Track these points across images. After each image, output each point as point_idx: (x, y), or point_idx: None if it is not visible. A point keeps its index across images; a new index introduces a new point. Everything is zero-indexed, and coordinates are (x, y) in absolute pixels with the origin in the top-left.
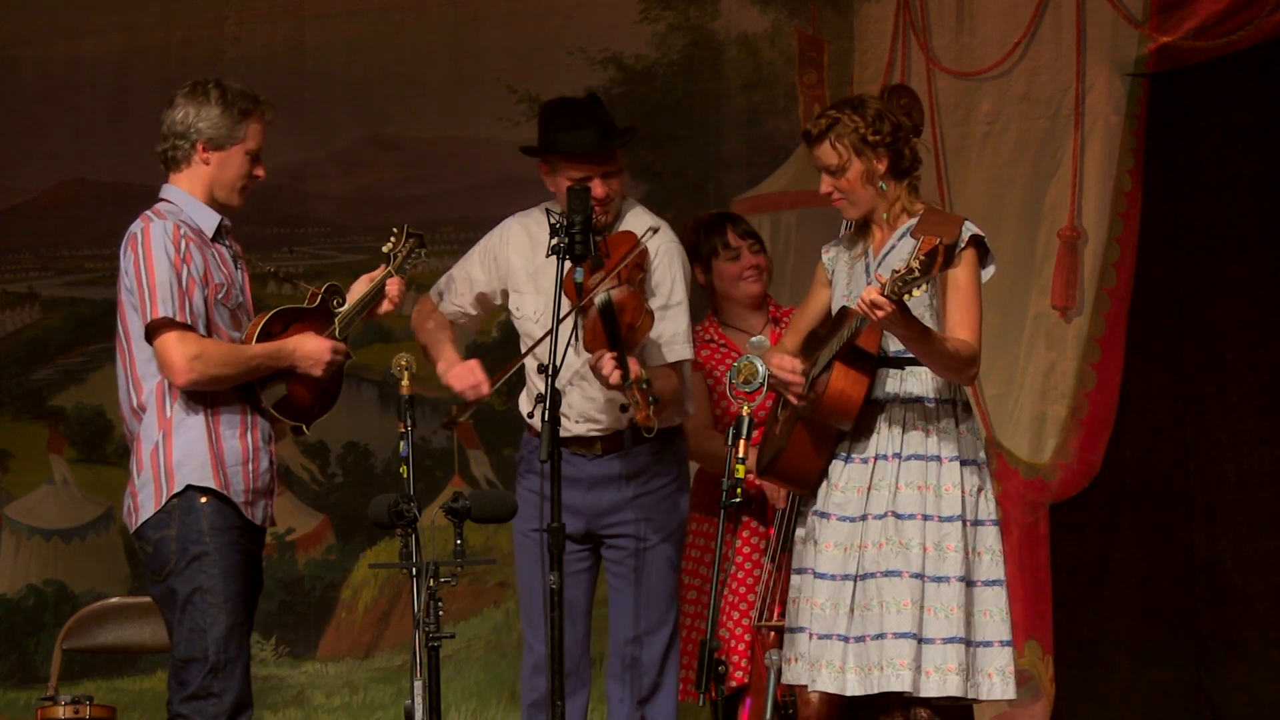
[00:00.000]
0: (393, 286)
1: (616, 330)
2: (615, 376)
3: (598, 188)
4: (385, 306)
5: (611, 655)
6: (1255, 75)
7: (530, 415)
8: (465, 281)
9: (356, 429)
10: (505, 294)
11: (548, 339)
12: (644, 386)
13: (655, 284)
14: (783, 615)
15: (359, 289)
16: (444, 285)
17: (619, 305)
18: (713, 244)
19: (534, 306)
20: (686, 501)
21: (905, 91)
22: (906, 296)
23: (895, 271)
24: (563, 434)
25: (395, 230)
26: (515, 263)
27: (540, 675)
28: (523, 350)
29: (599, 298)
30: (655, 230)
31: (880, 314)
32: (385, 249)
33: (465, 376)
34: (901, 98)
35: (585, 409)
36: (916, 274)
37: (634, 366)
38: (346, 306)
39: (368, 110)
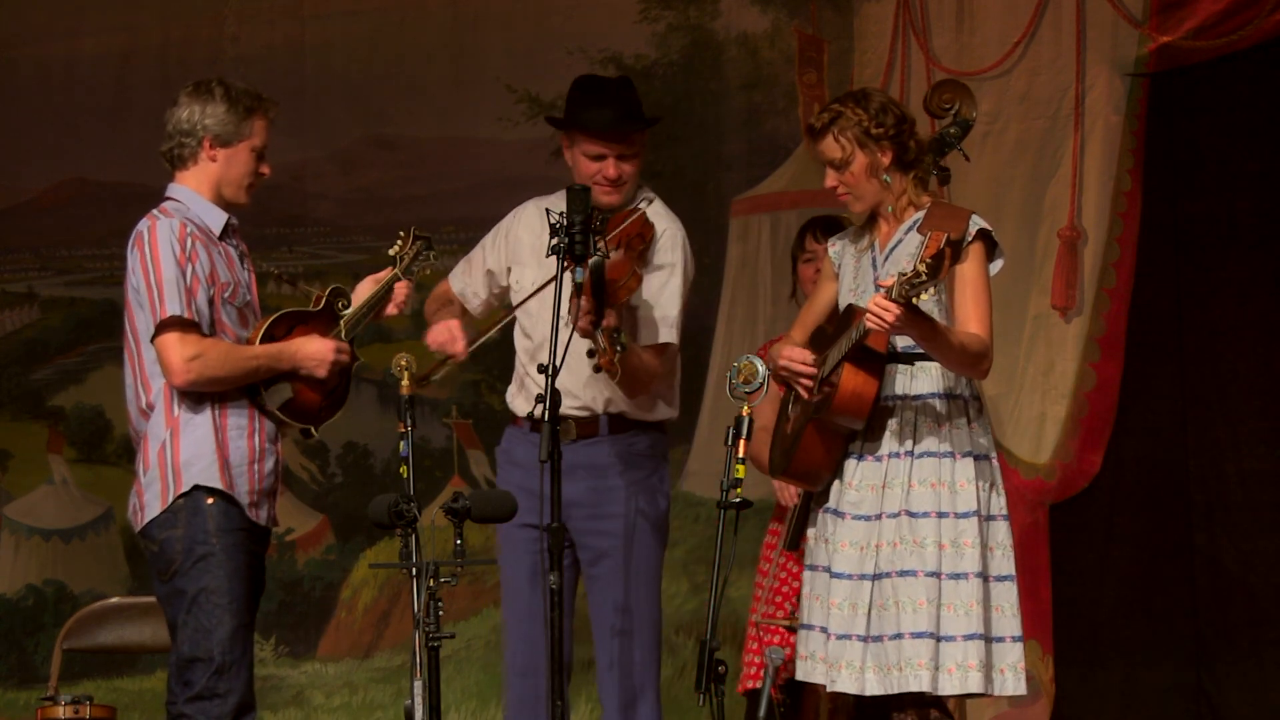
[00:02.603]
0: (400, 290)
1: (601, 287)
2: (585, 320)
3: (610, 168)
4: (392, 310)
5: (597, 656)
6: (1255, 75)
7: (532, 414)
8: (478, 259)
9: (356, 429)
10: (510, 272)
11: (539, 330)
12: (614, 335)
13: (655, 266)
14: (790, 612)
15: (364, 291)
16: (459, 266)
17: (610, 267)
18: (795, 249)
19: (532, 278)
20: (665, 498)
21: (951, 86)
22: (915, 299)
23: (902, 274)
24: (536, 415)
25: (402, 232)
26: (523, 238)
27: (518, 678)
28: (514, 328)
29: (592, 259)
30: (650, 201)
31: (890, 317)
32: (392, 251)
33: (440, 333)
34: (945, 92)
35: (563, 383)
36: (924, 277)
37: (610, 318)
38: (352, 309)
39: (368, 110)
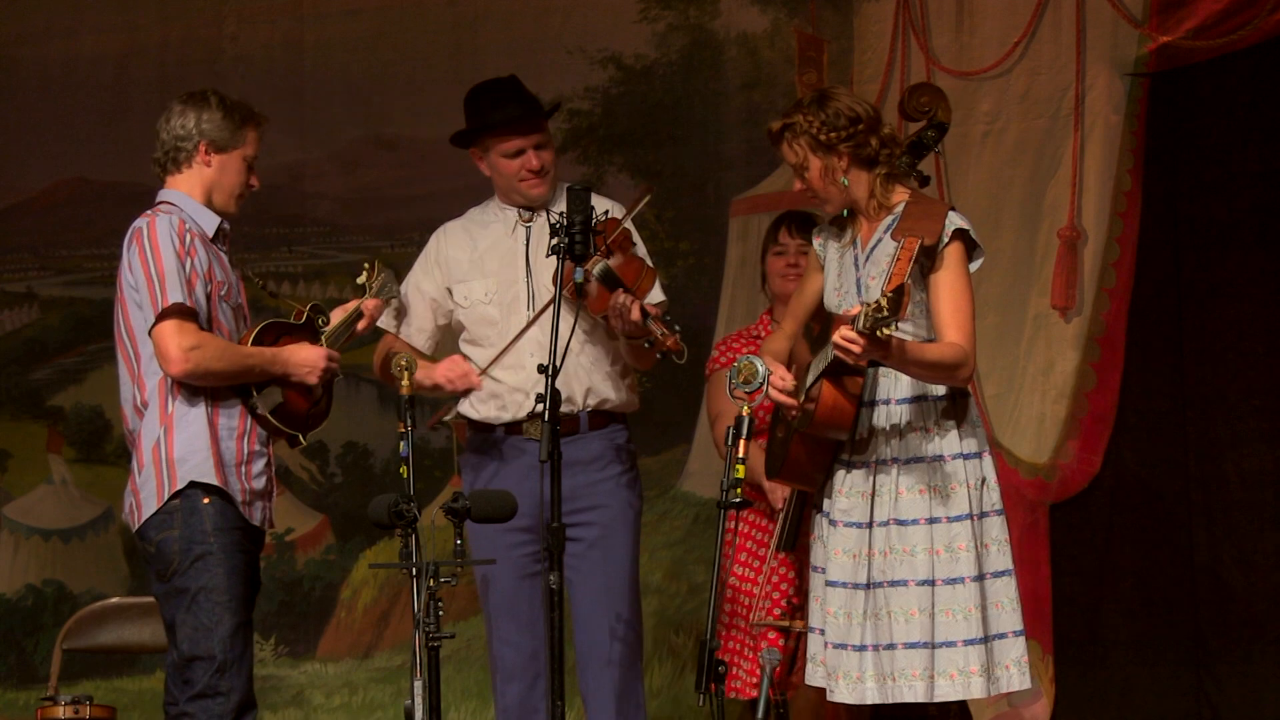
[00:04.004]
0: (368, 304)
1: (623, 287)
2: (635, 310)
3: (532, 159)
4: (363, 324)
5: (582, 650)
6: (1255, 75)
7: (532, 414)
8: (413, 298)
9: (356, 429)
10: (453, 293)
11: (529, 334)
12: (665, 318)
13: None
14: (779, 615)
15: (336, 317)
16: (388, 319)
17: (620, 270)
18: (768, 240)
19: (483, 288)
20: (639, 492)
21: (927, 89)
22: (882, 333)
23: (867, 305)
24: (517, 417)
25: (366, 265)
26: (456, 256)
27: (507, 683)
28: (461, 335)
29: (596, 268)
30: (644, 197)
31: (856, 349)
32: (360, 281)
33: (452, 368)
34: (922, 95)
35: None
36: (885, 313)
37: (650, 307)
38: (331, 325)
39: (367, 110)
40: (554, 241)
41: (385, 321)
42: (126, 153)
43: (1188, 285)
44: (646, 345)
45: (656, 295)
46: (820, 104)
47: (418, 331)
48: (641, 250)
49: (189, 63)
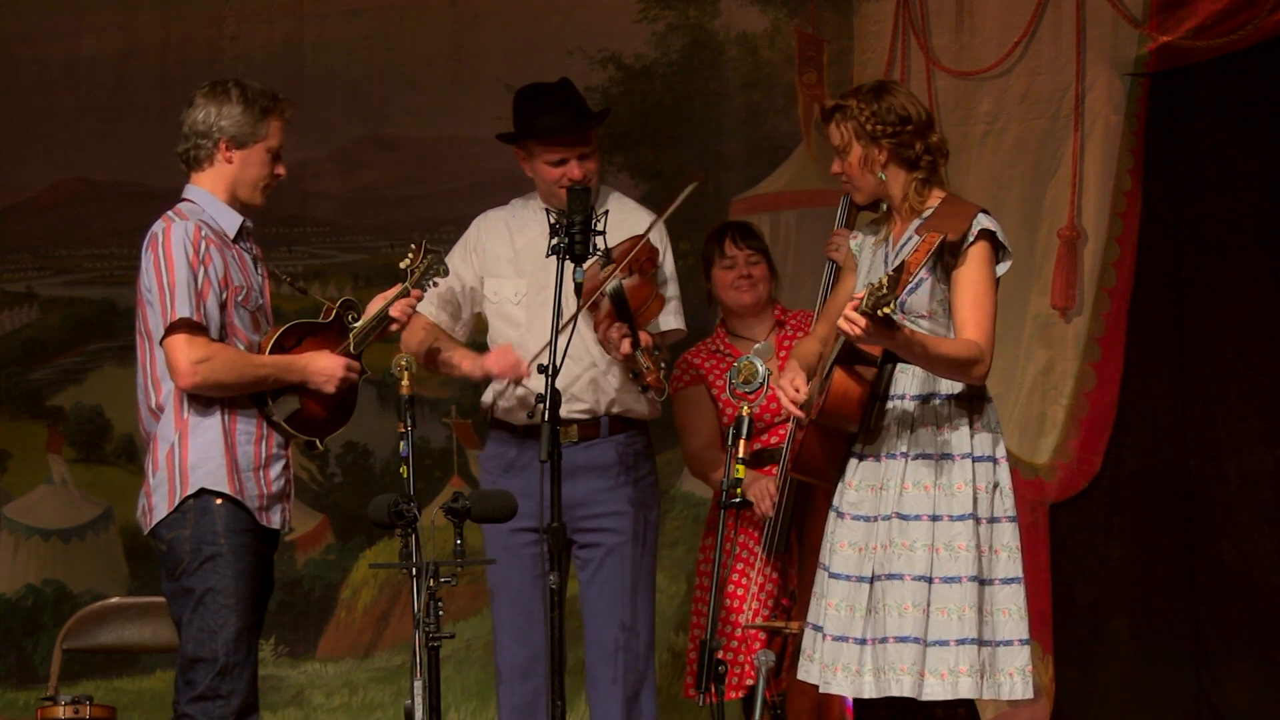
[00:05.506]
0: (396, 309)
1: (628, 311)
2: (625, 345)
3: (574, 169)
4: (395, 328)
5: (593, 655)
6: (1255, 75)
7: (530, 415)
8: (450, 282)
9: (356, 429)
10: (484, 284)
11: (531, 338)
12: (654, 353)
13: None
14: (768, 617)
15: (374, 307)
16: (427, 301)
17: (630, 292)
18: (711, 252)
19: (514, 288)
20: (656, 499)
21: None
22: (879, 313)
23: (870, 285)
24: (538, 413)
25: (413, 245)
26: (494, 249)
27: (515, 682)
28: (481, 327)
29: (610, 285)
30: (657, 222)
31: (858, 330)
32: (403, 265)
33: (504, 358)
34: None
35: (567, 386)
36: (885, 292)
37: (644, 338)
38: (361, 322)
39: (367, 110)
40: (554, 241)
41: (425, 307)
42: (126, 153)
43: (1188, 285)
44: (631, 375)
45: (669, 323)
46: (876, 95)
47: (450, 318)
48: (669, 271)
49: (189, 63)
